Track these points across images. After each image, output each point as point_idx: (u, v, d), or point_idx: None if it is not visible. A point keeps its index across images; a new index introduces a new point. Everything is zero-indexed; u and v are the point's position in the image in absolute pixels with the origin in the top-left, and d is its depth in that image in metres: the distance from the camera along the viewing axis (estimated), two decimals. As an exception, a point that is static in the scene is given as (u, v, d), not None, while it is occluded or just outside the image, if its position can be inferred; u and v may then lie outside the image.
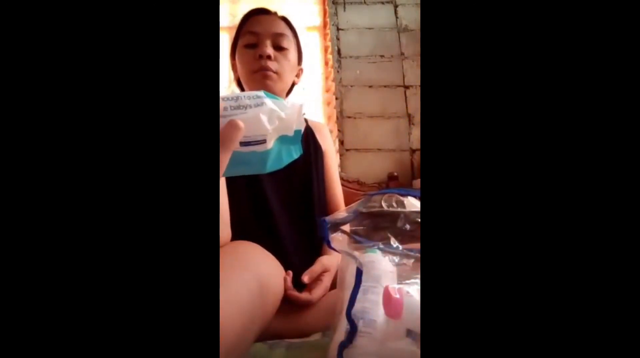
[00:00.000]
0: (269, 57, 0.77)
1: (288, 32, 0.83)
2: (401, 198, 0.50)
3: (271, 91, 0.74)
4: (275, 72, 0.78)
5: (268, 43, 0.78)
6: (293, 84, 0.92)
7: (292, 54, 0.82)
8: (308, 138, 0.90)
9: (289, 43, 0.81)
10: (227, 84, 1.96)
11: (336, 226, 0.48)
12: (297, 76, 0.91)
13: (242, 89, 0.90)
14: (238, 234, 0.65)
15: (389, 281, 0.43)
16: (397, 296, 0.40)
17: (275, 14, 0.86)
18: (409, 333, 0.40)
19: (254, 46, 0.79)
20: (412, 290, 0.42)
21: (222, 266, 0.43)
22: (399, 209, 0.49)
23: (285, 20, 0.85)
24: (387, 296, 0.41)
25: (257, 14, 0.84)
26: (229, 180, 0.78)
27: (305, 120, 0.94)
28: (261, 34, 0.79)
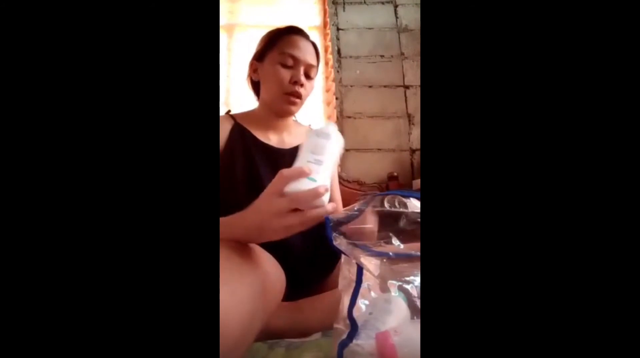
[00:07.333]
0: (302, 85, 0.86)
1: (316, 61, 0.91)
2: (404, 199, 0.50)
3: (292, 113, 0.89)
4: (300, 98, 0.88)
5: (302, 71, 0.86)
6: None
7: (315, 80, 0.92)
8: None
9: (315, 73, 0.90)
10: (225, 84, 1.96)
11: (339, 225, 0.48)
12: None
13: (255, 90, 0.96)
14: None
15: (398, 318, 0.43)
16: (389, 341, 0.39)
17: (308, 38, 0.91)
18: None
19: (290, 68, 0.86)
20: (411, 288, 0.42)
21: (223, 263, 0.43)
22: (401, 209, 0.49)
23: (314, 46, 0.92)
24: (382, 343, 0.40)
25: (296, 34, 0.89)
26: (228, 175, 0.80)
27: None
28: (300, 61, 0.86)
